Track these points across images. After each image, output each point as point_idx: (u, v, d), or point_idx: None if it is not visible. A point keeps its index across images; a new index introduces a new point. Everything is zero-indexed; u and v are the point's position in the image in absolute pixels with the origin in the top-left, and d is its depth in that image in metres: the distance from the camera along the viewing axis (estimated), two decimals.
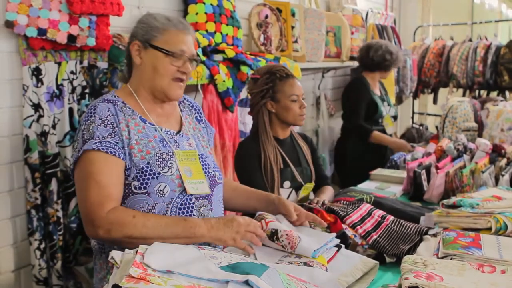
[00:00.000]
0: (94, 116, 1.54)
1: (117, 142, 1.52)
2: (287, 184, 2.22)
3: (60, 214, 2.19)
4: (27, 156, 2.10)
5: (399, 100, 5.00)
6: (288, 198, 2.19)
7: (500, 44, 4.83)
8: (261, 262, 1.25)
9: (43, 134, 2.13)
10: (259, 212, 1.64)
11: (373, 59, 3.72)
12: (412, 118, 5.68)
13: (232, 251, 1.47)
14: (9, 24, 2.00)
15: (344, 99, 3.91)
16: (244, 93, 2.94)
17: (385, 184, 2.58)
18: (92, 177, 1.47)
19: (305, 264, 1.39)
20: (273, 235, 1.50)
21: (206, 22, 2.82)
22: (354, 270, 1.42)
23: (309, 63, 3.75)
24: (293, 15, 3.59)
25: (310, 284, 1.24)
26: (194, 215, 1.57)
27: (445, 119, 3.31)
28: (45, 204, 2.16)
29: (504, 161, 2.44)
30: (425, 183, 2.33)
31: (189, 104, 1.84)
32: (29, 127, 2.09)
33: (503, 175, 2.27)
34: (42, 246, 2.14)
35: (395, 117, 3.97)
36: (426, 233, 1.66)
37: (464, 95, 5.08)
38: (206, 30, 2.81)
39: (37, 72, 2.11)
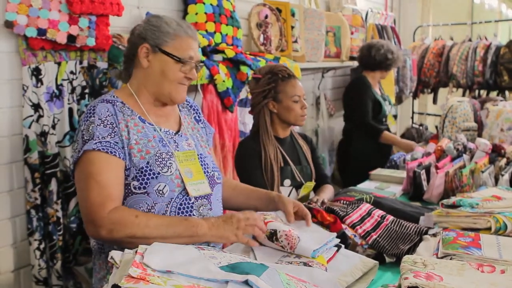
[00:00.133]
0: (94, 117, 1.54)
1: (117, 142, 1.52)
2: (287, 182, 2.23)
3: (59, 214, 2.19)
4: (27, 156, 2.10)
5: (399, 100, 5.00)
6: (288, 196, 2.20)
7: (500, 44, 4.83)
8: (260, 262, 1.25)
9: (43, 134, 2.13)
10: (259, 213, 1.64)
11: (375, 58, 3.72)
12: (412, 118, 5.68)
13: (232, 251, 1.48)
14: (9, 24, 2.00)
15: (347, 99, 3.88)
16: (243, 93, 2.94)
17: (385, 184, 2.58)
18: (92, 177, 1.47)
19: (305, 264, 1.39)
20: (272, 236, 1.50)
21: (206, 22, 2.82)
22: (354, 270, 1.42)
23: (308, 63, 3.75)
24: (293, 15, 3.60)
25: (309, 284, 1.24)
26: (193, 214, 1.58)
27: (445, 119, 3.31)
28: (44, 204, 2.16)
29: (503, 161, 2.44)
30: (424, 183, 2.33)
31: (188, 104, 1.84)
32: (29, 127, 2.09)
33: (502, 175, 2.27)
34: (42, 246, 2.14)
35: (395, 116, 3.98)
36: (426, 233, 1.66)
37: (463, 95, 5.08)
38: (206, 30, 2.81)
39: (36, 72, 2.11)
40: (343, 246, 1.55)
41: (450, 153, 2.59)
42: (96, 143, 1.49)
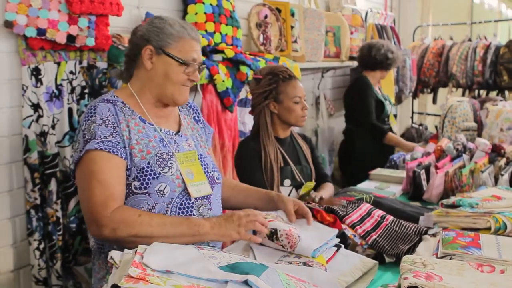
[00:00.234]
0: (95, 116, 1.53)
1: (118, 142, 1.52)
2: (287, 182, 2.23)
3: (59, 214, 2.19)
4: (27, 156, 2.10)
5: (399, 100, 5.00)
6: (288, 196, 2.20)
7: (499, 44, 4.83)
8: (260, 262, 1.25)
9: (43, 134, 2.13)
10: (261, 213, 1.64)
11: (376, 57, 3.71)
12: (412, 118, 5.68)
13: (232, 251, 1.48)
14: (9, 24, 2.00)
15: (349, 99, 3.85)
16: (243, 93, 2.94)
17: (385, 184, 2.58)
18: (95, 176, 1.47)
19: (305, 264, 1.39)
20: (273, 235, 1.50)
21: (206, 22, 2.82)
22: (354, 270, 1.42)
23: (308, 63, 3.75)
24: (292, 15, 3.60)
25: (309, 284, 1.24)
26: (193, 214, 1.58)
27: (445, 119, 3.31)
28: (44, 204, 2.16)
29: (503, 161, 2.44)
30: (424, 183, 2.33)
31: (187, 105, 1.84)
32: (29, 127, 2.09)
33: (502, 175, 2.27)
34: (42, 246, 2.14)
35: (394, 116, 3.97)
36: (426, 233, 1.66)
37: (463, 95, 5.08)
38: (206, 30, 2.81)
39: (36, 72, 2.11)
40: (342, 246, 1.55)
41: (449, 153, 2.59)
42: (98, 142, 1.49)
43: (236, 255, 1.25)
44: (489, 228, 1.59)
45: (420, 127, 5.06)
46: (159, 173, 1.53)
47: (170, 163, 1.57)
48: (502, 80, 4.72)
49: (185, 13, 2.82)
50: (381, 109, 3.69)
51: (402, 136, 4.83)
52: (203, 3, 2.82)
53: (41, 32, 2.06)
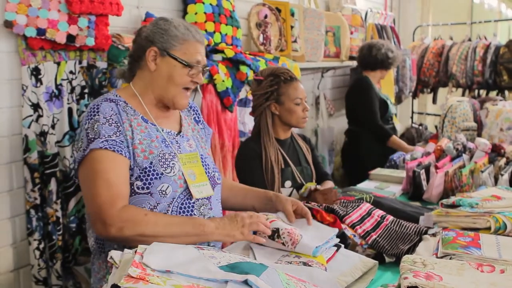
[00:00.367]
0: (98, 115, 1.53)
1: (122, 141, 1.51)
2: (288, 183, 2.24)
3: (59, 214, 2.19)
4: (26, 156, 2.10)
5: (399, 99, 5.00)
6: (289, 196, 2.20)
7: (499, 43, 4.84)
8: (260, 262, 1.25)
9: (42, 134, 2.13)
10: (261, 214, 1.64)
11: (377, 57, 3.69)
12: (412, 117, 5.69)
13: (232, 250, 1.48)
14: (8, 24, 2.00)
15: (352, 100, 3.78)
16: (243, 93, 2.94)
17: (385, 184, 2.58)
18: (100, 175, 1.46)
19: (305, 263, 1.39)
20: (274, 234, 1.50)
21: (205, 22, 2.82)
22: (354, 269, 1.42)
23: (308, 63, 3.75)
24: (292, 15, 3.60)
25: (309, 284, 1.24)
26: (194, 214, 1.59)
27: (445, 119, 3.31)
28: (44, 204, 2.16)
29: (503, 161, 2.44)
30: (424, 182, 2.33)
31: (188, 105, 1.84)
32: (28, 127, 2.09)
33: (502, 175, 2.27)
34: (41, 246, 2.14)
35: (395, 115, 3.97)
36: (426, 232, 1.66)
37: (463, 94, 5.09)
38: (205, 30, 2.81)
39: (36, 72, 2.11)
40: (342, 246, 1.55)
41: (449, 153, 2.59)
42: (102, 141, 1.48)
43: (236, 255, 1.25)
44: (489, 228, 1.59)
45: (420, 127, 5.06)
46: (162, 173, 1.53)
47: (173, 164, 1.57)
48: (502, 80, 4.72)
49: (185, 12, 2.82)
50: (385, 109, 3.67)
51: (402, 136, 4.83)
52: (203, 3, 2.82)
53: (41, 32, 2.06)
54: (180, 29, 1.62)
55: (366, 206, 1.83)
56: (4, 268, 2.13)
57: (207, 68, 1.71)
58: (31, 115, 2.10)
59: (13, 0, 1.99)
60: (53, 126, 2.17)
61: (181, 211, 1.56)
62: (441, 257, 1.39)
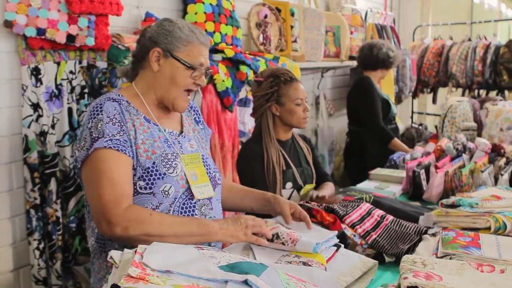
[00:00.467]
0: (102, 114, 1.52)
1: (126, 141, 1.51)
2: (289, 185, 2.24)
3: (59, 214, 2.19)
4: (26, 156, 2.10)
5: (399, 99, 5.00)
6: (290, 198, 2.20)
7: (499, 43, 4.84)
8: (260, 262, 1.25)
9: (42, 134, 2.13)
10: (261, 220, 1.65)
11: (378, 56, 3.68)
12: (412, 117, 5.69)
13: (232, 250, 1.48)
14: (8, 24, 2.00)
15: (354, 100, 3.75)
16: (243, 93, 2.94)
17: (385, 184, 2.58)
18: (104, 175, 1.46)
19: (304, 263, 1.39)
20: (274, 236, 1.51)
21: (205, 21, 2.82)
22: (354, 269, 1.42)
23: (308, 63, 3.75)
24: (292, 14, 3.60)
25: (309, 283, 1.24)
26: (196, 214, 1.59)
27: (444, 119, 3.31)
28: (44, 204, 2.16)
29: (503, 161, 2.44)
30: (424, 182, 2.33)
31: (188, 105, 1.84)
32: (28, 127, 2.09)
33: (502, 175, 2.27)
34: (41, 246, 2.14)
35: None
36: (425, 232, 1.66)
37: (463, 94, 5.09)
38: (205, 30, 2.81)
39: (36, 72, 2.11)
40: (342, 245, 1.55)
41: (449, 153, 2.59)
42: (107, 140, 1.48)
43: (236, 255, 1.25)
44: (489, 228, 1.59)
45: (420, 127, 5.06)
46: (164, 174, 1.54)
47: (175, 164, 1.57)
48: (502, 80, 4.72)
49: (185, 12, 2.82)
50: (387, 109, 3.65)
51: (402, 135, 4.82)
52: (203, 2, 2.82)
53: (40, 31, 2.06)
54: (185, 31, 1.62)
55: (366, 206, 1.83)
56: (4, 268, 2.13)
57: (210, 70, 1.71)
58: (31, 115, 2.10)
59: (13, 0, 1.99)
60: (53, 126, 2.17)
61: (182, 211, 1.56)
62: (441, 257, 1.39)
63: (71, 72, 2.24)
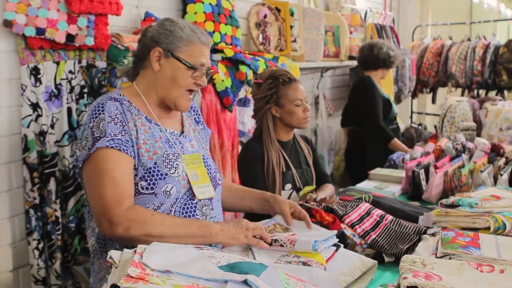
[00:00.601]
0: (103, 114, 1.52)
1: (127, 141, 1.51)
2: (288, 186, 2.25)
3: (58, 213, 2.19)
4: (26, 155, 2.09)
5: (398, 99, 5.00)
6: (289, 199, 2.20)
7: (498, 43, 4.84)
8: (259, 262, 1.25)
9: (42, 134, 2.13)
10: (259, 222, 1.65)
11: (379, 56, 3.67)
12: (411, 117, 5.69)
13: (231, 250, 1.48)
14: (8, 24, 1.99)
15: (356, 100, 3.71)
16: (242, 93, 2.94)
17: (384, 184, 2.58)
18: (107, 174, 1.45)
19: (304, 263, 1.39)
20: (272, 240, 1.51)
21: (205, 21, 2.82)
22: (353, 269, 1.42)
23: (308, 63, 3.75)
24: (292, 14, 3.60)
25: (309, 283, 1.24)
26: (196, 214, 1.59)
27: (444, 119, 3.31)
28: (43, 204, 2.16)
29: (502, 161, 2.45)
30: (423, 182, 2.33)
31: (190, 104, 1.84)
32: (28, 127, 2.09)
33: (501, 175, 2.27)
34: (41, 245, 2.14)
35: None
36: (425, 232, 1.66)
37: (462, 94, 5.09)
38: (205, 30, 2.80)
39: (35, 72, 2.10)
40: (342, 245, 1.55)
41: (449, 153, 2.59)
42: (109, 140, 1.48)
43: (235, 255, 1.25)
44: (488, 228, 1.59)
45: (419, 127, 5.06)
46: (166, 174, 1.53)
47: (176, 164, 1.57)
48: (501, 80, 4.73)
49: (184, 12, 2.82)
50: (388, 109, 3.64)
51: (402, 135, 4.82)
52: (203, 2, 2.81)
53: (40, 31, 2.06)
54: (186, 31, 1.62)
55: (365, 206, 1.83)
56: (3, 268, 2.13)
57: (211, 71, 1.70)
58: (30, 115, 2.10)
59: None
60: (52, 126, 2.17)
61: (183, 211, 1.56)
62: (441, 257, 1.39)
63: (70, 72, 2.23)
